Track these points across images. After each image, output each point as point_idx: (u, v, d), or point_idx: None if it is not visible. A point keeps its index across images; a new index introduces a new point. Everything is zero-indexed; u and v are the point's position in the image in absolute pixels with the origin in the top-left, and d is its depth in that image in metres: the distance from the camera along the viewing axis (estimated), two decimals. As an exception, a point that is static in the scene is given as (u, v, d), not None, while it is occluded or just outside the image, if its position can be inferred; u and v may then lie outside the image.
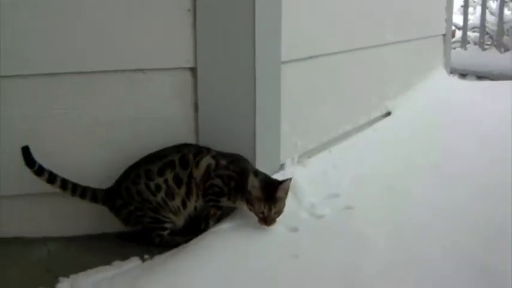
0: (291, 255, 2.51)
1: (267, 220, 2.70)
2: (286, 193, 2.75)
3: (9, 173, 2.79)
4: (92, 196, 2.82)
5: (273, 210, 2.71)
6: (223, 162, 2.82)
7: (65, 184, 2.78)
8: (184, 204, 2.81)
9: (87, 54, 2.79)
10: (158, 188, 2.77)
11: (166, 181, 2.77)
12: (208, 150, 2.84)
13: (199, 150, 2.82)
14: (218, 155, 2.83)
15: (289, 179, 2.76)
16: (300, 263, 2.46)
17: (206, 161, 2.80)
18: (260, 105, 2.95)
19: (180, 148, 2.82)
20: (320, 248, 2.58)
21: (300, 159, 3.39)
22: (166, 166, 2.78)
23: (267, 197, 2.70)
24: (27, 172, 2.73)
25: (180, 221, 2.85)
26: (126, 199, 2.79)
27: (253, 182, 2.70)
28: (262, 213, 2.70)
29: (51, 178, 2.75)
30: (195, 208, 2.85)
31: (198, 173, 2.80)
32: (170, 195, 2.78)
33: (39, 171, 2.73)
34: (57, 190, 2.78)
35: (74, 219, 2.91)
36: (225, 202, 2.85)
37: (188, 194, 2.80)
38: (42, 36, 2.74)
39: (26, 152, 2.71)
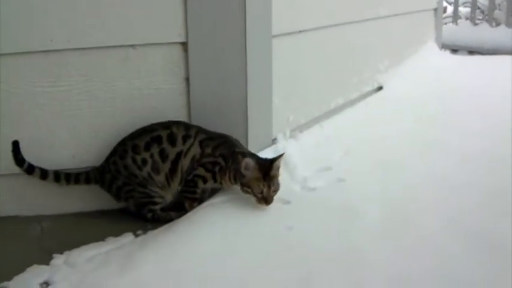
0: (284, 227, 2.52)
1: (267, 199, 2.68)
2: (279, 169, 2.74)
3: (3, 152, 2.79)
4: (85, 179, 2.86)
5: (272, 188, 2.69)
6: (208, 149, 2.80)
7: (57, 176, 2.83)
8: (168, 182, 2.82)
9: (78, 30, 2.78)
10: (144, 162, 2.78)
11: (152, 155, 2.78)
12: (196, 132, 2.83)
13: (188, 133, 2.81)
14: (205, 140, 2.82)
15: (281, 155, 2.76)
16: (294, 235, 2.48)
17: (193, 151, 2.80)
18: (252, 80, 2.95)
19: (169, 125, 2.82)
20: (313, 220, 2.60)
21: (292, 133, 3.40)
22: (153, 141, 2.78)
23: (265, 176, 2.68)
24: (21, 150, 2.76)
25: (168, 196, 2.86)
26: (114, 174, 2.81)
27: (247, 164, 2.67)
28: (262, 192, 2.68)
29: (44, 174, 2.81)
30: (178, 191, 2.87)
31: (185, 162, 2.81)
32: (156, 169, 2.79)
33: (29, 169, 2.78)
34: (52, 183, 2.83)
35: (67, 197, 2.92)
36: (209, 185, 2.85)
37: (172, 172, 2.81)
38: (34, 13, 2.72)
39: (15, 148, 2.76)
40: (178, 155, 2.79)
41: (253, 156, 2.77)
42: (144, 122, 2.83)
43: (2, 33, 2.70)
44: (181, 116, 2.91)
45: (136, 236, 2.68)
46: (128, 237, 2.66)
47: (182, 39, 2.87)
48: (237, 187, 2.76)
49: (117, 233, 2.69)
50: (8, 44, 2.73)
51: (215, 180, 2.82)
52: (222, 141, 2.83)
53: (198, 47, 2.88)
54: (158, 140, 2.78)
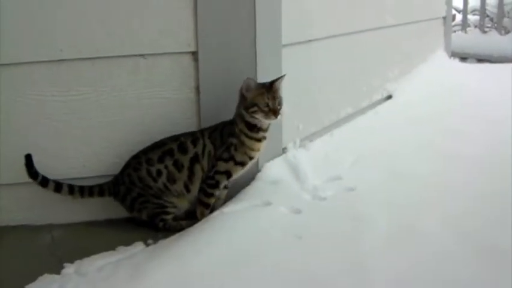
0: (294, 236, 2.52)
1: (275, 110, 2.71)
2: (278, 90, 2.77)
3: (13, 162, 2.80)
4: (99, 192, 2.87)
5: (277, 101, 2.72)
6: (218, 141, 2.82)
7: (72, 189, 2.84)
8: (187, 188, 2.83)
9: (89, 40, 2.80)
10: (159, 173, 2.80)
11: (166, 167, 2.80)
12: (201, 132, 2.85)
13: (195, 136, 2.83)
14: (212, 134, 2.84)
15: (283, 76, 2.79)
16: (303, 244, 2.48)
17: (208, 149, 2.82)
18: (261, 89, 2.95)
19: (178, 137, 2.84)
20: (323, 229, 2.60)
21: (302, 142, 3.40)
22: (166, 154, 2.80)
23: (267, 89, 2.72)
24: (30, 159, 2.77)
25: (184, 204, 2.87)
26: (128, 185, 2.83)
27: (248, 83, 2.71)
28: (268, 105, 2.70)
29: (58, 187, 2.82)
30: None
31: (205, 163, 2.83)
32: (171, 179, 2.81)
33: (43, 182, 2.80)
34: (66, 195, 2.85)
35: (78, 206, 2.92)
36: (239, 174, 2.87)
37: (191, 177, 2.82)
38: (45, 23, 2.75)
39: (28, 161, 2.78)
40: (193, 160, 2.81)
41: None
42: (154, 131, 2.85)
43: (12, 43, 2.73)
44: (191, 125, 2.93)
45: (147, 245, 2.69)
46: (138, 247, 2.67)
47: (192, 49, 2.89)
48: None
49: (128, 242, 2.69)
50: (18, 53, 2.76)
51: (241, 164, 2.83)
52: (224, 124, 2.85)
53: (208, 57, 2.89)
54: (170, 152, 2.80)
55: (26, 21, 2.73)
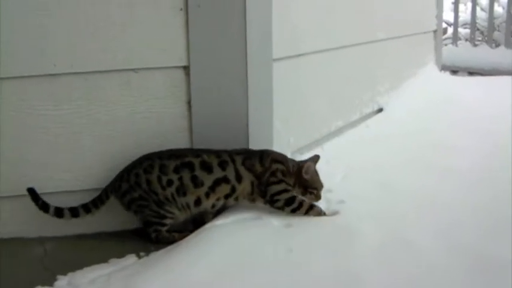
0: (285, 250, 2.53)
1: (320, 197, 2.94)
2: None
3: (6, 174, 2.82)
4: (106, 196, 2.86)
5: None
6: (258, 167, 2.87)
7: (87, 209, 2.85)
8: (198, 202, 2.83)
9: (81, 55, 2.82)
10: (170, 183, 2.78)
11: (181, 178, 2.78)
12: (230, 156, 2.85)
13: (222, 159, 2.83)
14: (245, 161, 2.86)
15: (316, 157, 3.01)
16: (294, 257, 2.48)
17: (246, 177, 2.85)
18: (253, 103, 2.98)
19: (198, 153, 2.83)
20: (313, 242, 2.61)
21: (293, 155, 3.40)
22: (184, 166, 2.79)
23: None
24: (24, 173, 2.81)
25: (182, 216, 2.86)
26: (132, 184, 2.81)
27: (310, 167, 2.90)
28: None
29: (75, 213, 2.84)
30: (213, 205, 2.86)
31: (245, 186, 2.86)
32: (182, 192, 2.79)
33: (58, 212, 2.82)
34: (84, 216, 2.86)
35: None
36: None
37: (208, 194, 2.82)
38: (38, 37, 2.77)
39: (32, 194, 2.79)
40: (219, 181, 2.81)
41: (294, 160, 3.02)
42: (146, 145, 2.87)
43: (6, 57, 2.74)
44: (183, 139, 2.95)
45: (139, 257, 2.70)
46: (130, 259, 2.67)
47: (184, 63, 2.91)
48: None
49: (120, 255, 2.70)
50: (12, 68, 2.77)
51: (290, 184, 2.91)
52: (254, 153, 2.92)
53: (200, 71, 2.91)
54: (190, 165, 2.79)
55: (20, 36, 2.75)
